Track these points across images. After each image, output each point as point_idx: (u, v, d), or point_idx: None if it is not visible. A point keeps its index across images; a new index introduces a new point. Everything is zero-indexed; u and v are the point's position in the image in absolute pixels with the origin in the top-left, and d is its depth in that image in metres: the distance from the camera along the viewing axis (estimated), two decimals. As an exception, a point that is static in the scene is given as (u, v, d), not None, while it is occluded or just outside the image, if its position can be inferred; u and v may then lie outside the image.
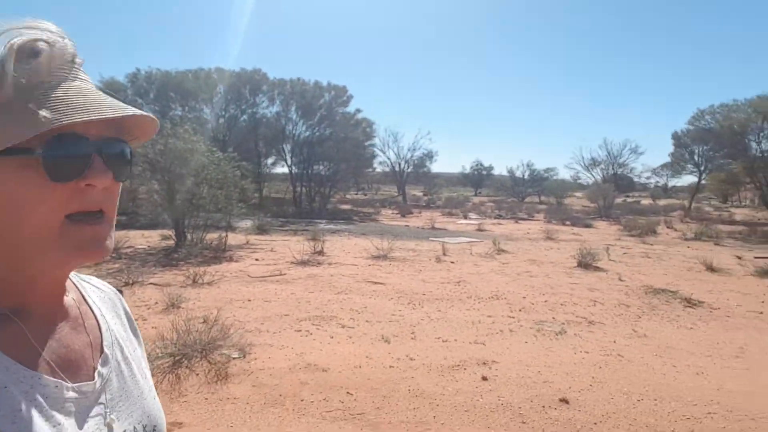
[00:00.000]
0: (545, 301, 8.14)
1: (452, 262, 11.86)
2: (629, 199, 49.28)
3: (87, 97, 0.56)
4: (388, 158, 42.71)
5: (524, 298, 8.36)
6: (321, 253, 12.61)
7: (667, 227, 23.77)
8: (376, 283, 9.25)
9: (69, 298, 0.69)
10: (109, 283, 0.83)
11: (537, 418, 4.05)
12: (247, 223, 17.66)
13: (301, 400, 4.24)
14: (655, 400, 4.43)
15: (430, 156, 44.71)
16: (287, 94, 25.64)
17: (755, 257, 14.45)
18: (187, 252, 11.99)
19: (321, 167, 28.33)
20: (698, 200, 40.17)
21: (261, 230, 16.98)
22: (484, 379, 4.78)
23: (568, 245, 15.87)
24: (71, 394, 0.60)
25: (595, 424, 3.98)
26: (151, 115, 0.61)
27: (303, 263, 11.06)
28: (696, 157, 30.22)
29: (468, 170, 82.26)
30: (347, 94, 26.71)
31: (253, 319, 6.56)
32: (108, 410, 0.64)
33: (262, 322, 6.43)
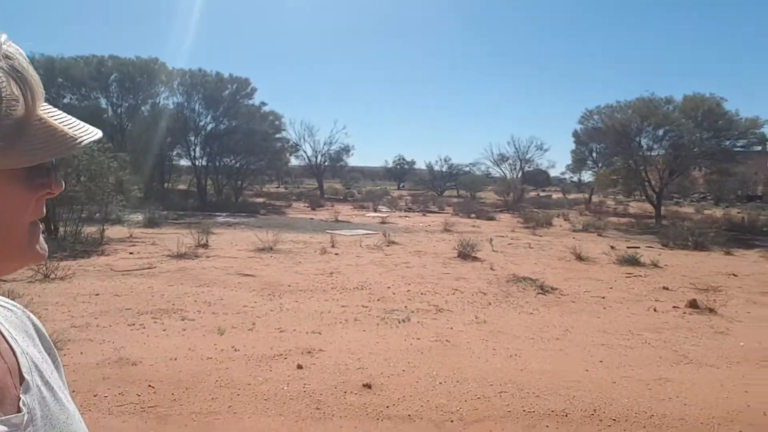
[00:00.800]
0: (407, 291, 8.32)
1: (336, 254, 11.90)
2: (543, 193, 51.73)
3: (68, 116, 0.59)
4: (305, 152, 42.31)
5: (389, 288, 8.50)
6: (205, 246, 12.29)
7: (564, 219, 25.00)
8: (246, 275, 9.11)
9: None
10: None
11: (332, 404, 4.10)
12: (138, 217, 16.94)
13: (94, 396, 4.08)
14: (458, 382, 4.62)
15: (346, 150, 44.82)
16: (188, 85, 24.79)
17: (627, 247, 15.48)
18: (57, 246, 11.29)
19: (229, 160, 27.60)
20: (606, 194, 42.97)
21: (152, 223, 16.31)
22: (299, 367, 4.80)
23: (461, 237, 16.33)
24: (1, 428, 0.54)
25: (387, 407, 4.09)
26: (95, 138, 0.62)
27: (180, 256, 10.71)
28: (594, 154, 32.03)
29: (391, 164, 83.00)
30: (250, 86, 26.26)
31: (89, 314, 6.26)
32: None
33: (97, 317, 6.15)
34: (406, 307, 7.29)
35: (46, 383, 0.66)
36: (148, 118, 25.13)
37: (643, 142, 21.80)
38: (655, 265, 11.60)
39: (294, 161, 43.31)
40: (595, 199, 43.53)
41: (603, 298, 8.34)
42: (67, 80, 22.93)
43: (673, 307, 7.83)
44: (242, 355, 5.09)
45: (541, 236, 17.89)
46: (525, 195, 44.96)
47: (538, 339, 6.00)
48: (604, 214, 29.52)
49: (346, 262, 10.90)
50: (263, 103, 27.57)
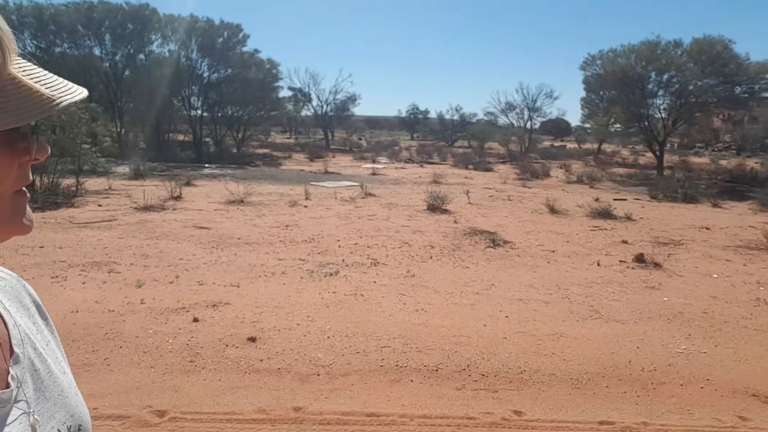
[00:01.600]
0: (355, 244, 8.31)
1: (305, 207, 11.90)
2: (559, 144, 50.62)
3: (51, 76, 0.55)
4: (309, 102, 41.80)
5: (338, 241, 8.50)
6: (177, 198, 12.39)
7: (566, 170, 24.51)
8: (202, 228, 9.18)
9: None
10: None
11: (208, 357, 4.17)
12: (125, 169, 17.10)
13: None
14: (347, 336, 4.64)
15: (353, 99, 44.09)
16: (182, 32, 24.36)
17: (614, 199, 15.20)
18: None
19: (227, 110, 27.43)
20: (625, 144, 41.79)
21: (138, 175, 16.44)
22: (195, 321, 4.86)
23: (441, 189, 16.19)
24: None
25: (261, 360, 4.14)
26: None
27: (146, 209, 10.82)
28: (605, 102, 31.03)
29: (404, 114, 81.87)
30: (242, 32, 25.71)
31: (21, 266, 6.39)
32: (32, 410, 0.58)
33: (27, 269, 6.28)
34: (343, 260, 7.30)
35: (39, 355, 0.65)
36: (143, 68, 24.93)
37: (648, 89, 20.83)
38: (628, 218, 11.39)
39: (304, 111, 42.85)
40: (610, 148, 42.57)
41: (553, 252, 8.24)
42: (58, 28, 22.71)
43: (620, 261, 7.70)
44: (146, 308, 5.16)
45: (530, 188, 17.62)
46: (537, 145, 44.19)
47: (457, 293, 5.97)
48: (610, 165, 28.91)
49: (311, 215, 10.90)
50: (256, 51, 27.12)
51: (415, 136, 75.29)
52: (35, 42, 23.33)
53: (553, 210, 12.01)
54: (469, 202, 13.22)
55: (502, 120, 38.49)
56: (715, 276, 7.06)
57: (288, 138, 52.87)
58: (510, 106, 36.71)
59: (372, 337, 4.62)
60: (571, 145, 49.89)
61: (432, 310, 5.39)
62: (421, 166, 26.23)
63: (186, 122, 27.56)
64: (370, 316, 5.16)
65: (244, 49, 26.32)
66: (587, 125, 41.51)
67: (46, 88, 0.53)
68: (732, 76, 19.63)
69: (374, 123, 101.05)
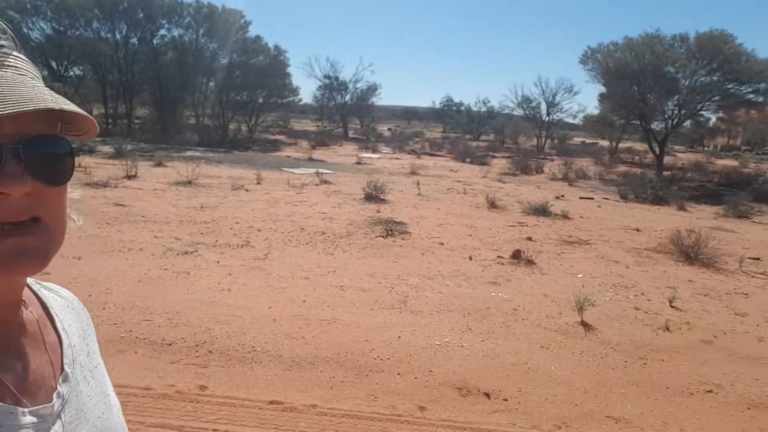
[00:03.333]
0: (250, 227, 8.50)
1: (246, 191, 12.17)
2: (591, 140, 49.17)
3: (6, 89, 0.48)
4: (345, 90, 42.12)
5: (237, 223, 8.70)
6: (132, 177, 12.88)
7: (567, 167, 23.88)
8: (119, 205, 9.55)
9: (28, 312, 0.64)
10: None
11: None
12: (109, 149, 17.82)
13: None
14: (123, 308, 4.83)
15: (373, 89, 44.14)
16: (190, 17, 25.05)
17: (580, 197, 14.87)
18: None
19: (234, 95, 28.06)
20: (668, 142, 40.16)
21: (119, 155, 17.09)
22: None
23: (412, 179, 16.20)
24: (28, 419, 0.56)
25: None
26: (78, 110, 0.52)
27: (95, 185, 11.26)
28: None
29: (438, 106, 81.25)
30: (243, 18, 26.20)
31: None
32: None
33: None
34: (217, 241, 7.50)
35: (85, 377, 0.67)
36: (154, 52, 25.75)
37: (645, 84, 19.99)
38: (564, 216, 11.13)
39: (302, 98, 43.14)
40: (643, 147, 40.92)
41: (441, 244, 8.20)
42: (70, 13, 23.74)
43: (498, 256, 7.61)
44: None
45: (505, 183, 17.38)
46: (568, 141, 42.99)
47: (288, 277, 6.08)
48: (618, 164, 28.02)
49: (242, 198, 11.16)
50: (258, 37, 27.60)
51: (446, 128, 74.77)
52: (52, 24, 24.47)
53: (492, 205, 11.85)
54: (418, 193, 13.19)
55: (520, 112, 37.70)
56: (580, 276, 6.90)
57: (319, 126, 53.46)
58: (526, 100, 35.94)
59: (145, 311, 4.80)
60: (605, 143, 48.41)
61: (240, 290, 5.53)
62: (419, 157, 26.15)
63: (191, 106, 28.27)
64: (171, 292, 5.34)
65: (247, 35, 26.80)
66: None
67: None
68: (736, 73, 18.63)
69: (412, 114, 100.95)
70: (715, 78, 19.03)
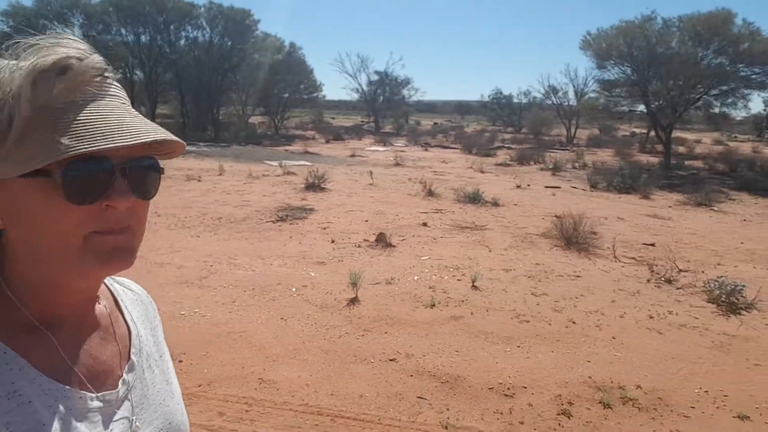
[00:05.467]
0: (156, 214, 9.10)
1: (198, 181, 12.86)
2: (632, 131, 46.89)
3: (110, 120, 0.55)
4: (360, 85, 42.65)
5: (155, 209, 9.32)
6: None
7: (578, 157, 23.14)
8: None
9: (101, 306, 0.69)
10: None
11: None
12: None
13: None
14: None
15: (405, 83, 44.20)
16: (206, 18, 26.26)
17: (546, 186, 14.59)
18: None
19: (246, 93, 29.09)
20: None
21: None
22: None
23: (397, 170, 16.42)
24: (95, 403, 0.62)
25: None
26: (174, 138, 0.60)
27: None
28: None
29: (487, 99, 79.86)
30: (251, 17, 27.00)
31: None
32: (134, 417, 0.66)
33: None
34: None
35: (150, 366, 0.73)
36: (174, 53, 27.20)
37: (641, 70, 19.03)
38: (494, 204, 11.05)
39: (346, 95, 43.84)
40: (693, 136, 38.74)
41: (324, 229, 8.46)
42: (86, 17, 25.55)
43: (364, 239, 7.80)
44: None
45: (485, 174, 17.20)
46: (612, 131, 41.10)
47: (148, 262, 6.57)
48: (638, 153, 26.77)
49: (182, 188, 11.82)
50: (267, 34, 28.48)
51: (497, 121, 73.56)
52: (83, 31, 26.40)
53: (429, 194, 11.92)
54: (371, 184, 13.42)
55: (550, 102, 36.53)
56: (425, 258, 6.99)
57: (364, 121, 54.04)
58: (553, 90, 34.84)
59: None
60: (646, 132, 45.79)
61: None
62: (426, 150, 26.17)
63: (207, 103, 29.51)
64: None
65: (257, 32, 27.73)
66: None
67: (77, 135, 0.53)
68: (739, 54, 17.35)
69: (466, 108, 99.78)
70: (721, 61, 17.84)
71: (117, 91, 0.60)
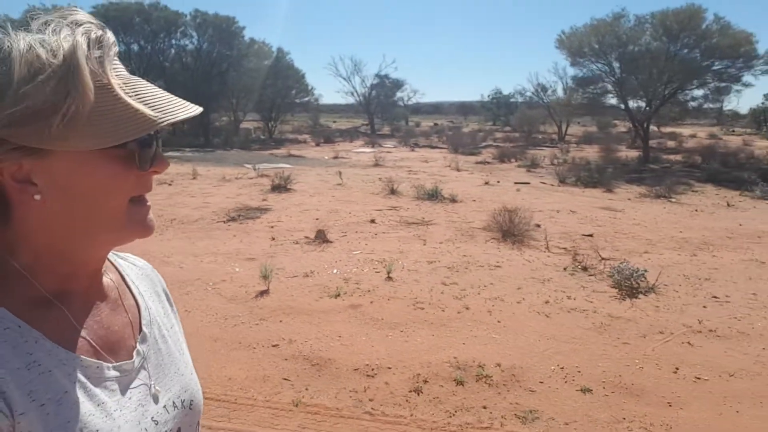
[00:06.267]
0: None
1: (169, 185, 13.15)
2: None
3: (161, 94, 0.60)
4: (354, 88, 42.97)
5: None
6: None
7: (564, 153, 23.23)
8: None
9: (108, 279, 0.72)
10: None
11: None
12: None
13: None
14: None
15: (398, 85, 44.48)
16: (194, 27, 26.69)
17: (515, 182, 14.76)
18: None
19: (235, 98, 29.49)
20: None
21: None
22: None
23: (374, 171, 16.65)
24: (112, 373, 0.64)
25: None
26: (199, 109, 0.63)
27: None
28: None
29: (486, 98, 79.82)
30: (236, 24, 27.38)
31: None
32: (152, 382, 0.69)
33: None
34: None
35: (163, 336, 0.76)
36: (162, 60, 27.63)
37: (613, 67, 19.14)
38: (452, 200, 11.23)
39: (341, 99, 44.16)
40: (704, 131, 38.58)
41: (272, 228, 8.69)
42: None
43: (305, 237, 8.02)
44: None
45: (460, 172, 17.37)
46: (611, 129, 40.91)
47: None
48: (622, 151, 26.78)
49: (154, 191, 12.09)
50: (253, 40, 28.88)
51: (497, 120, 73.60)
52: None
53: (392, 192, 12.13)
54: (340, 183, 13.66)
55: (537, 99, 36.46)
56: (356, 252, 7.20)
57: (363, 124, 54.38)
58: (542, 88, 34.89)
59: None
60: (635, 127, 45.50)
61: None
62: (412, 150, 26.41)
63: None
64: None
65: (243, 39, 28.13)
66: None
67: (149, 106, 0.57)
68: (709, 48, 17.35)
69: (468, 109, 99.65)
70: (694, 56, 17.86)
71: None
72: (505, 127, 50.76)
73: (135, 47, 27.72)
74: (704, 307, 5.25)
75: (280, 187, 12.43)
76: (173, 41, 27.84)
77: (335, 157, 21.76)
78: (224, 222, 9.01)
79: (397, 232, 8.50)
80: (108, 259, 0.74)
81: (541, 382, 3.78)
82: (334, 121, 59.26)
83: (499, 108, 53.85)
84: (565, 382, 3.79)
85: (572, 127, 44.37)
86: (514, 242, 7.85)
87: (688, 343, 4.41)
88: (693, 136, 38.17)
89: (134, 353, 0.68)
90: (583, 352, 4.24)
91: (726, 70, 18.15)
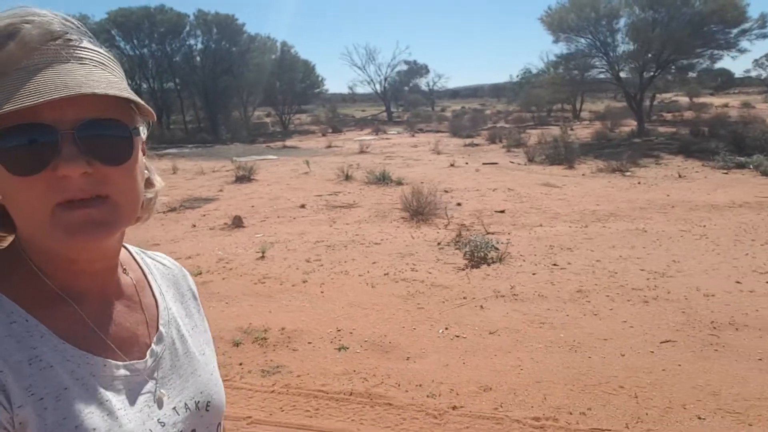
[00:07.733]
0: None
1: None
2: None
3: (55, 79, 0.52)
4: (369, 76, 43.26)
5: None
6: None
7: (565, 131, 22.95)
8: None
9: (126, 277, 0.71)
10: None
11: None
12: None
13: None
14: None
15: (417, 71, 44.46)
16: (200, 27, 27.64)
17: (483, 163, 14.89)
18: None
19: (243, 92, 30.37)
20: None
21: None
22: None
23: (354, 158, 17.07)
24: (121, 372, 0.62)
25: None
26: (124, 94, 0.56)
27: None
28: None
29: (516, 78, 78.33)
30: (235, 22, 28.06)
31: None
32: (158, 386, 0.66)
33: None
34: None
35: (182, 337, 0.74)
36: (177, 62, 28.78)
37: (600, 40, 18.70)
38: (398, 183, 11.53)
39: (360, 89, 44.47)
40: (736, 101, 36.98)
41: (203, 216, 9.26)
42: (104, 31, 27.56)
43: (225, 223, 8.53)
44: None
45: (439, 155, 17.54)
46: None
47: None
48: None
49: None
50: (256, 36, 29.61)
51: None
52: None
53: (346, 177, 12.51)
54: (305, 171, 14.13)
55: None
56: (259, 235, 7.66)
57: (383, 111, 54.58)
58: (554, 65, 33.91)
59: None
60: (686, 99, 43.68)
61: None
62: (412, 135, 26.59)
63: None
64: None
65: (245, 35, 28.89)
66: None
67: (4, 97, 0.51)
68: (698, 17, 16.74)
69: (501, 91, 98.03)
70: (680, 25, 17.23)
71: (89, 54, 0.58)
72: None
73: (146, 51, 28.94)
74: (533, 274, 5.45)
75: (243, 178, 13.01)
76: (181, 42, 28.91)
77: (328, 147, 22.22)
78: (164, 213, 9.62)
79: (317, 215, 8.90)
80: (133, 257, 0.76)
81: (310, 343, 4.14)
82: (363, 110, 59.54)
83: (521, 87, 52.82)
84: (331, 342, 4.14)
85: (597, 104, 43.41)
86: (418, 221, 8.13)
87: (480, 306, 4.66)
88: (725, 105, 36.52)
89: (147, 353, 0.67)
90: (374, 316, 4.56)
91: (715, 37, 17.51)
